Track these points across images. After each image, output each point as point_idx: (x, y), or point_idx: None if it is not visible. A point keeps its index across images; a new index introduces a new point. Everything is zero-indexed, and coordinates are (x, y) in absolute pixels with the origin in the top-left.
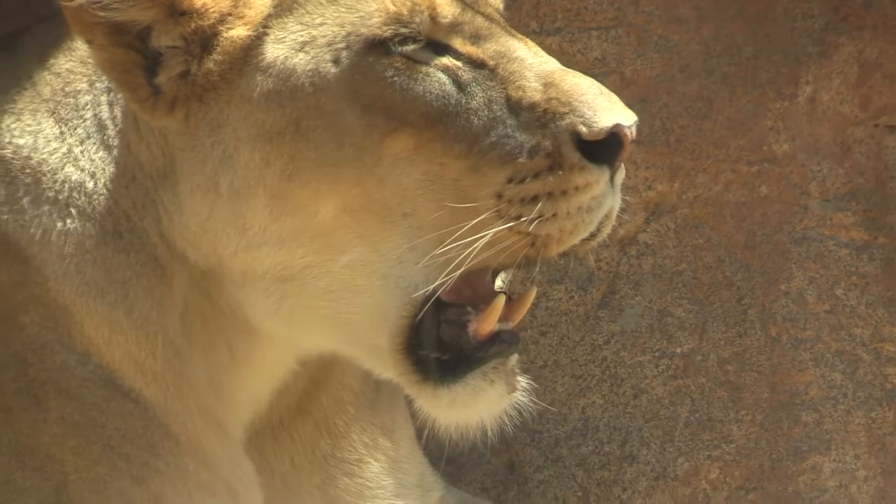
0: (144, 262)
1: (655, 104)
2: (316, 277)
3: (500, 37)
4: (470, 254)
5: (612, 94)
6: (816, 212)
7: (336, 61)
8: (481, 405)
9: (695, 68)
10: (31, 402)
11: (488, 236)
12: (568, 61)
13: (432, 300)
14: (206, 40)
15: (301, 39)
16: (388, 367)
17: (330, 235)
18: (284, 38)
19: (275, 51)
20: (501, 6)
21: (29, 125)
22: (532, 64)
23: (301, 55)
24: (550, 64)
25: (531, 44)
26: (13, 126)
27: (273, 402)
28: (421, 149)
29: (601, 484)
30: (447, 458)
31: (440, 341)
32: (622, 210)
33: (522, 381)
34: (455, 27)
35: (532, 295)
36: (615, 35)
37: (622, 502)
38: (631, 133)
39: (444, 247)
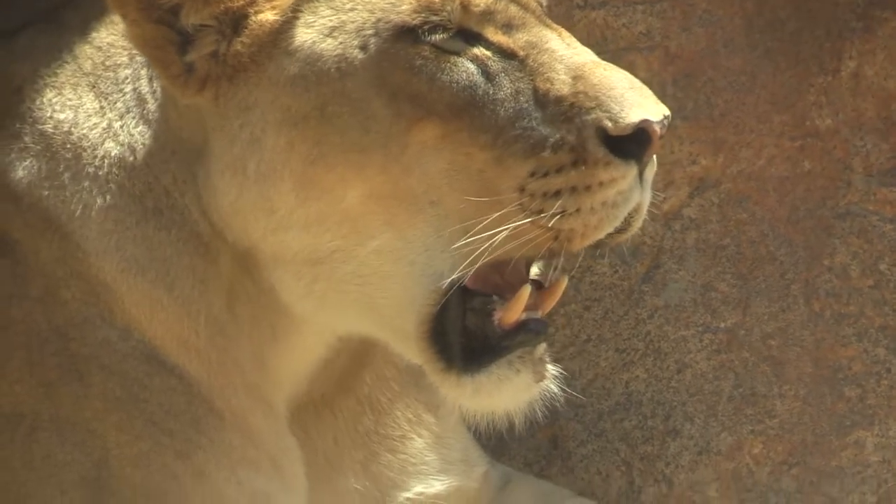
0: (186, 240)
1: (700, 79)
2: (344, 262)
3: (532, 27)
4: (493, 245)
5: (644, 88)
6: (860, 187)
7: (364, 48)
8: (506, 394)
9: (738, 43)
10: (73, 377)
11: (510, 229)
12: (613, 35)
13: (456, 288)
14: (236, 21)
15: (330, 24)
16: (414, 354)
17: (357, 220)
18: (314, 22)
19: (304, 35)
20: None
21: (70, 99)
22: (563, 56)
23: (329, 40)
24: (583, 56)
25: (566, 34)
26: (54, 100)
27: (314, 380)
28: (447, 138)
29: (644, 458)
30: (490, 433)
31: (465, 329)
32: (659, 192)
33: (552, 369)
34: (487, 15)
35: (563, 285)
36: (660, 9)
37: (665, 477)
38: (661, 128)
39: (468, 237)
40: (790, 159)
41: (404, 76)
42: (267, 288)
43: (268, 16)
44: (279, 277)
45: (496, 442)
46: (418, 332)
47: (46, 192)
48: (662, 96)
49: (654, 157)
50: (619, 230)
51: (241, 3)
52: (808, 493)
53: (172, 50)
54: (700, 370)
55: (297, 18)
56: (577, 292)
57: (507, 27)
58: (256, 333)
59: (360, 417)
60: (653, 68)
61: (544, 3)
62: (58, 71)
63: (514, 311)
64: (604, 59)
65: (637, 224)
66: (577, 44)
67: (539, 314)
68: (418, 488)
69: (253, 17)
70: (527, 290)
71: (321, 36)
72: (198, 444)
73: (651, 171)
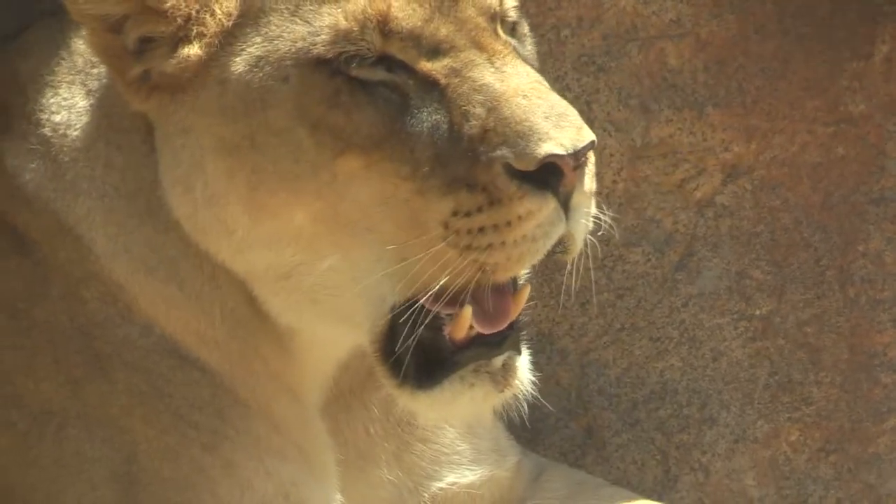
0: (187, 241)
1: (731, 65)
2: (308, 274)
3: (461, 50)
4: (425, 272)
5: (564, 115)
6: (894, 172)
7: (285, 79)
8: (462, 406)
9: (770, 28)
10: (98, 375)
11: (438, 261)
12: (643, 23)
13: (406, 306)
14: (174, 43)
15: (257, 54)
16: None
17: (310, 239)
18: (244, 50)
19: (234, 65)
20: (496, 3)
21: (65, 99)
22: (483, 85)
23: (255, 70)
24: (507, 82)
25: (502, 53)
26: (51, 102)
27: (339, 376)
28: (371, 168)
29: (680, 447)
30: (523, 423)
31: (419, 344)
32: (691, 179)
33: (523, 376)
34: (412, 39)
35: (526, 292)
36: None
37: (702, 465)
38: (573, 160)
39: (403, 263)
40: (823, 145)
41: (322, 109)
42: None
43: (194, 49)
44: (258, 294)
45: (531, 432)
46: (371, 348)
47: (53, 196)
48: (693, 83)
49: (587, 180)
50: (563, 250)
51: (175, 27)
52: (845, 480)
53: (128, 58)
54: (735, 358)
55: (229, 45)
56: (610, 281)
57: (434, 52)
58: (273, 329)
59: (391, 409)
60: (684, 56)
61: (498, 8)
62: (55, 68)
63: (460, 329)
64: (633, 47)
65: (576, 248)
66: (511, 64)
67: (495, 329)
68: (451, 478)
69: (181, 48)
70: (468, 312)
71: (248, 67)
72: (224, 434)
73: (579, 198)
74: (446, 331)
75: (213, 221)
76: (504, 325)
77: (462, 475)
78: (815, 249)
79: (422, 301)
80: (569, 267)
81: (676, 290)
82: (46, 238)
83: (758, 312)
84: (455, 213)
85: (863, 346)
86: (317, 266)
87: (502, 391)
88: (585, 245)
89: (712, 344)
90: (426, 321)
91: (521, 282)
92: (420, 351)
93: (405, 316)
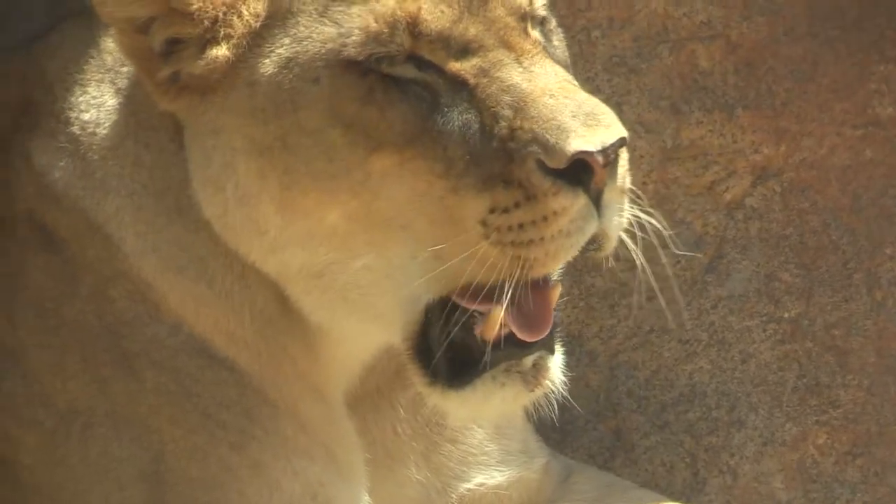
0: (217, 240)
1: (761, 68)
2: (342, 272)
3: (490, 49)
4: (462, 270)
5: (593, 113)
6: None
7: (316, 80)
8: (493, 406)
9: (800, 31)
10: (126, 373)
11: (476, 256)
12: (674, 25)
13: (439, 303)
14: (202, 44)
15: (287, 55)
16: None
17: (344, 238)
18: (272, 52)
19: (262, 66)
20: (525, 3)
21: (94, 97)
22: (511, 85)
23: (285, 72)
24: (535, 82)
25: (531, 52)
26: (80, 100)
27: (365, 376)
28: (405, 165)
29: (709, 450)
30: (552, 424)
31: (451, 343)
32: (721, 181)
33: (553, 377)
34: (441, 41)
35: (557, 291)
36: None
37: (730, 468)
38: (603, 157)
39: (438, 261)
40: (852, 148)
41: (355, 107)
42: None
43: (222, 50)
44: (290, 294)
45: (559, 434)
46: (403, 346)
47: (82, 193)
48: (724, 85)
49: (619, 177)
50: (595, 249)
51: (203, 28)
52: (872, 483)
53: (158, 60)
54: (764, 360)
55: (258, 47)
56: (640, 283)
57: (463, 52)
58: (302, 329)
59: (419, 408)
60: (714, 58)
61: (528, 7)
62: (84, 67)
63: (491, 328)
64: (664, 49)
65: (609, 245)
66: (539, 63)
67: (537, 337)
68: (479, 479)
69: (208, 49)
70: (499, 311)
71: (277, 68)
72: (252, 434)
73: (612, 194)
74: (477, 330)
75: (245, 221)
76: (545, 333)
77: (490, 476)
78: (843, 252)
79: (455, 299)
80: (611, 264)
81: (706, 292)
82: (75, 236)
83: (786, 315)
84: (493, 210)
85: (890, 350)
86: (350, 265)
87: (533, 390)
88: (633, 241)
89: (741, 346)
90: (460, 320)
91: (553, 279)
92: (452, 350)
93: (438, 314)
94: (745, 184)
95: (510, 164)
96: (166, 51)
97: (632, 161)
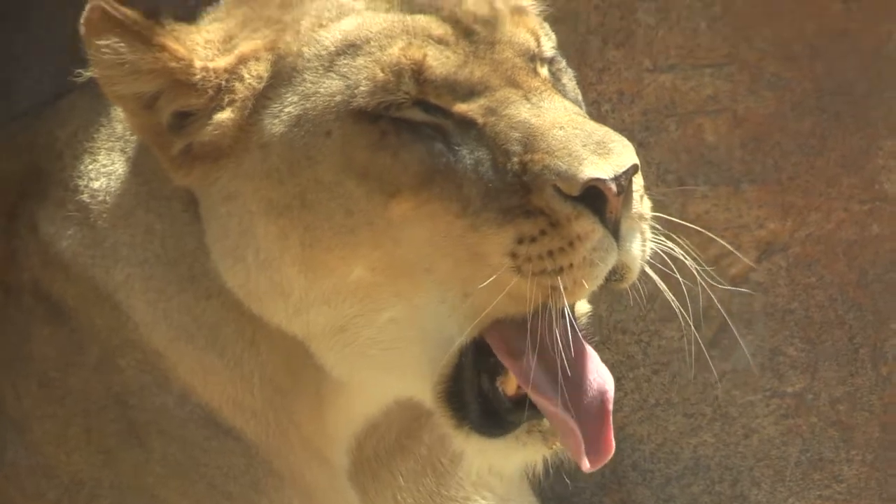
0: (229, 307)
1: (768, 142)
2: (365, 326)
3: (497, 89)
4: (492, 304)
5: (603, 142)
6: None
7: (328, 133)
8: (513, 462)
9: (807, 105)
10: (134, 444)
11: (507, 289)
12: (681, 99)
13: (471, 347)
14: (209, 113)
15: (296, 113)
16: (434, 411)
17: (369, 290)
18: (281, 111)
19: (273, 126)
20: (533, 44)
21: (104, 165)
22: (520, 122)
23: (296, 129)
24: (544, 116)
25: (539, 90)
26: (90, 168)
27: (366, 438)
28: (422, 208)
29: None
30: (558, 496)
31: (480, 389)
32: (725, 256)
33: None
34: (447, 86)
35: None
36: (728, 72)
37: None
38: (616, 185)
39: (467, 299)
40: (859, 223)
41: (368, 154)
42: (307, 354)
43: (227, 114)
44: (314, 351)
45: None
46: (435, 391)
47: (90, 262)
48: (730, 160)
49: (636, 204)
50: (617, 280)
51: (205, 99)
52: None
53: (169, 135)
54: (767, 435)
55: (265, 108)
56: (646, 356)
57: (469, 94)
58: (310, 391)
59: (420, 478)
60: (720, 132)
61: (536, 49)
62: (94, 135)
63: (511, 385)
64: (671, 123)
65: (631, 276)
66: (548, 99)
67: (600, 464)
68: None
69: (216, 114)
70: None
71: (288, 127)
72: None
73: (630, 223)
74: (499, 382)
75: (268, 286)
76: (610, 456)
77: None
78: (850, 327)
79: (489, 340)
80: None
81: (710, 366)
82: (83, 305)
83: (790, 390)
84: (520, 241)
85: (895, 425)
86: (376, 318)
87: (552, 447)
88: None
89: (744, 420)
90: (487, 366)
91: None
92: (481, 396)
93: (471, 359)
94: (750, 258)
95: (528, 195)
96: (177, 124)
97: None
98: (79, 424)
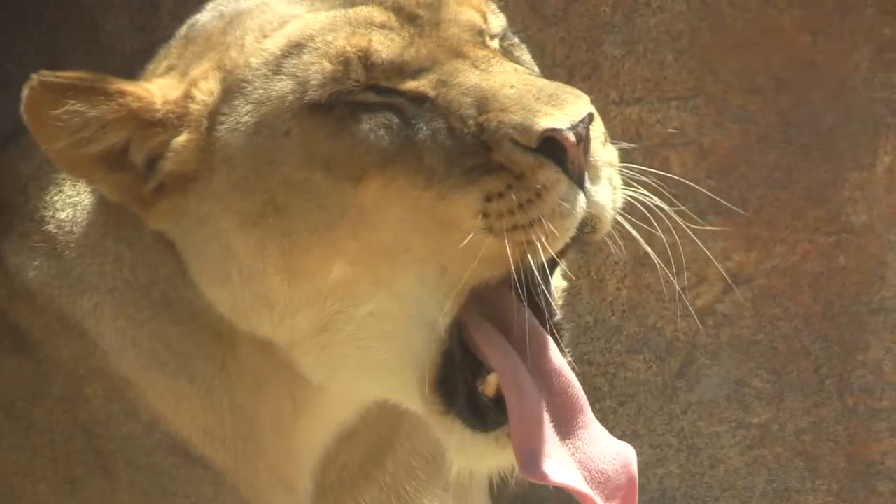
0: (201, 330)
1: (733, 174)
2: (345, 322)
3: (445, 63)
4: (465, 273)
5: (557, 94)
6: (894, 282)
7: (287, 133)
8: (488, 462)
9: (773, 138)
10: (99, 473)
11: (483, 250)
12: (647, 131)
13: (456, 339)
14: (170, 141)
15: (253, 121)
16: (418, 404)
17: (350, 285)
18: (238, 122)
19: (232, 139)
20: (480, 21)
21: (70, 196)
22: (471, 87)
23: (255, 136)
24: (494, 79)
25: (487, 58)
26: (56, 199)
27: (332, 459)
28: (390, 186)
29: None
30: None
31: (467, 379)
32: (692, 288)
33: None
34: (395, 67)
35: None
36: (694, 105)
37: None
38: (574, 134)
39: (444, 273)
40: (824, 255)
41: (329, 143)
42: (287, 363)
43: (184, 136)
44: (295, 356)
45: None
46: (422, 383)
47: (58, 292)
48: (695, 192)
49: (598, 150)
50: (590, 231)
51: (171, 132)
52: None
53: (142, 182)
54: (733, 466)
55: (221, 124)
56: (612, 388)
57: (419, 71)
58: (279, 410)
59: None
60: (686, 164)
61: (483, 25)
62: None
63: (489, 387)
64: (637, 155)
65: (603, 226)
66: (498, 64)
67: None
68: None
69: (174, 140)
70: (494, 379)
71: (248, 136)
72: None
73: (594, 171)
74: (479, 383)
75: (254, 300)
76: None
77: None
78: (815, 358)
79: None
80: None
81: (676, 397)
82: (49, 336)
83: (756, 420)
84: (489, 199)
85: (860, 456)
86: (354, 312)
87: None
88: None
89: (710, 451)
90: (470, 365)
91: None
92: (468, 388)
93: (458, 348)
94: (716, 290)
95: (489, 153)
96: (151, 167)
97: (607, 267)
98: (45, 455)
